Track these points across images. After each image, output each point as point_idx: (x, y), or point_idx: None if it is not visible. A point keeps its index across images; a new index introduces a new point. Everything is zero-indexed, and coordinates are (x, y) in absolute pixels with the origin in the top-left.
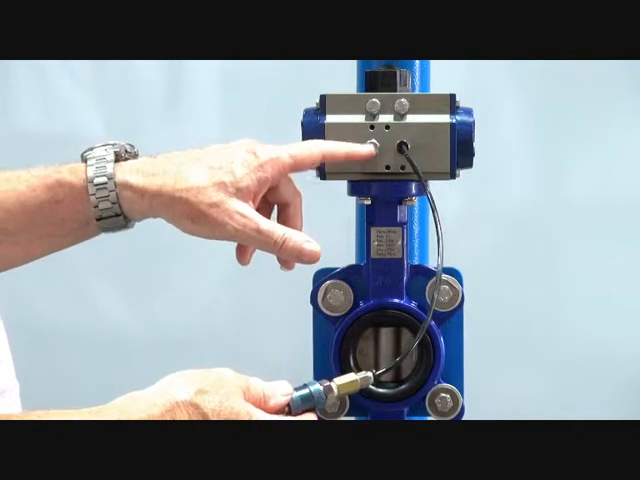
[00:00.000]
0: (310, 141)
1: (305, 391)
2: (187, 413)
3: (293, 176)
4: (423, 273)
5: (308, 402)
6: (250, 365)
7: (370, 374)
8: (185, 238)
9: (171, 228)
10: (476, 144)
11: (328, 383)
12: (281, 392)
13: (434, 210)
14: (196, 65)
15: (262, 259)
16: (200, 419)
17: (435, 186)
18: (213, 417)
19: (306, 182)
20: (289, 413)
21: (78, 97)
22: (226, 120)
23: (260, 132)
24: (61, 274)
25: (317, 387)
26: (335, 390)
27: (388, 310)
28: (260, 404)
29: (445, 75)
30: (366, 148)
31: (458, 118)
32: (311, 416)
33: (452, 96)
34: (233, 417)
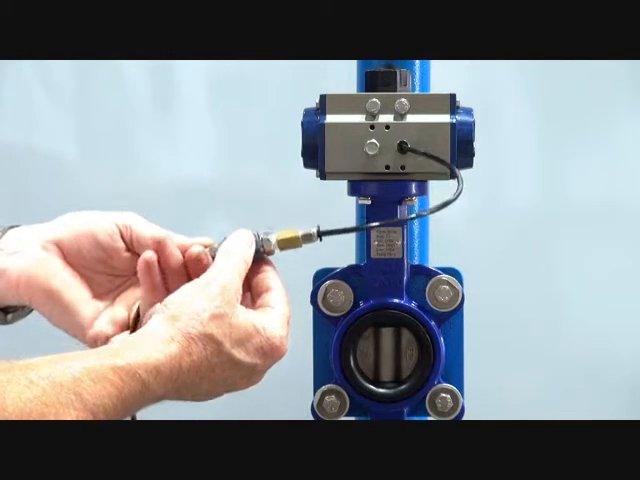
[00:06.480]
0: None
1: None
2: (202, 345)
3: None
4: (423, 273)
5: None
6: None
7: (314, 230)
8: None
9: None
10: (476, 144)
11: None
12: (243, 249)
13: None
14: (192, 66)
15: None
16: (215, 348)
17: (437, 187)
18: (226, 343)
19: (307, 182)
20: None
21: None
22: (222, 122)
23: (259, 133)
24: None
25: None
26: (273, 241)
27: (388, 310)
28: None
29: (445, 75)
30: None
31: (458, 118)
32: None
33: (452, 96)
34: (242, 335)
